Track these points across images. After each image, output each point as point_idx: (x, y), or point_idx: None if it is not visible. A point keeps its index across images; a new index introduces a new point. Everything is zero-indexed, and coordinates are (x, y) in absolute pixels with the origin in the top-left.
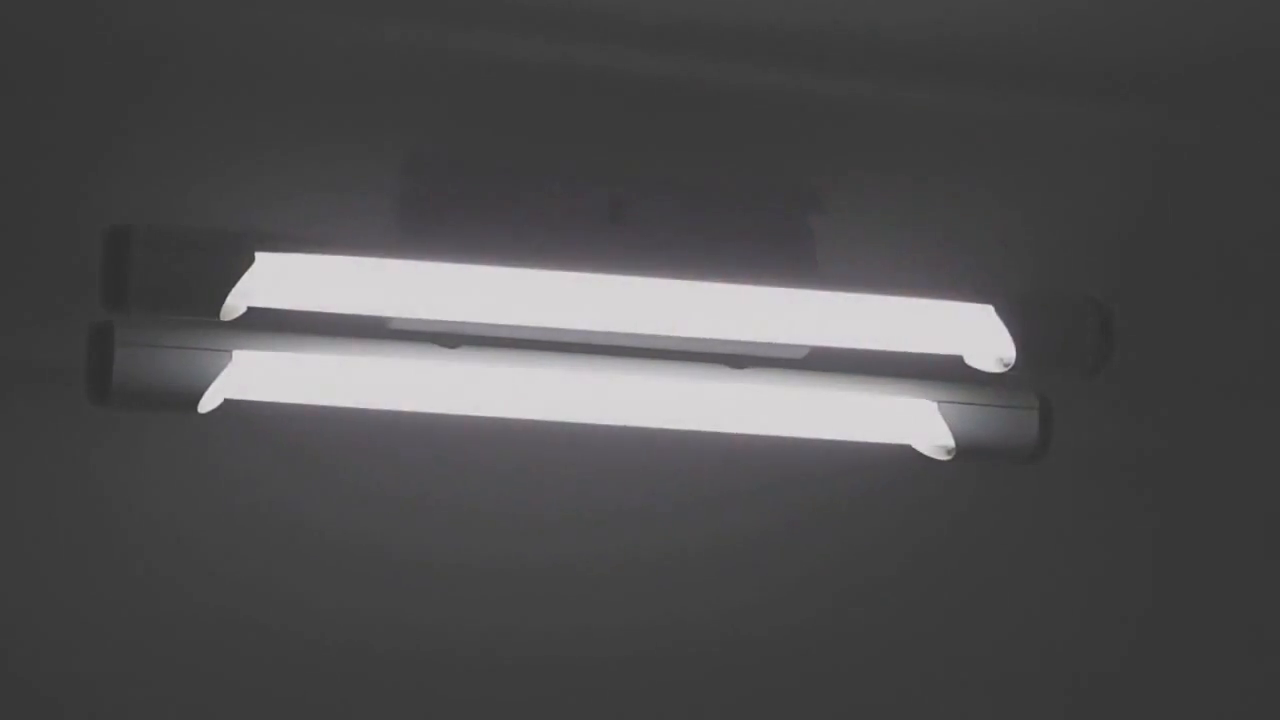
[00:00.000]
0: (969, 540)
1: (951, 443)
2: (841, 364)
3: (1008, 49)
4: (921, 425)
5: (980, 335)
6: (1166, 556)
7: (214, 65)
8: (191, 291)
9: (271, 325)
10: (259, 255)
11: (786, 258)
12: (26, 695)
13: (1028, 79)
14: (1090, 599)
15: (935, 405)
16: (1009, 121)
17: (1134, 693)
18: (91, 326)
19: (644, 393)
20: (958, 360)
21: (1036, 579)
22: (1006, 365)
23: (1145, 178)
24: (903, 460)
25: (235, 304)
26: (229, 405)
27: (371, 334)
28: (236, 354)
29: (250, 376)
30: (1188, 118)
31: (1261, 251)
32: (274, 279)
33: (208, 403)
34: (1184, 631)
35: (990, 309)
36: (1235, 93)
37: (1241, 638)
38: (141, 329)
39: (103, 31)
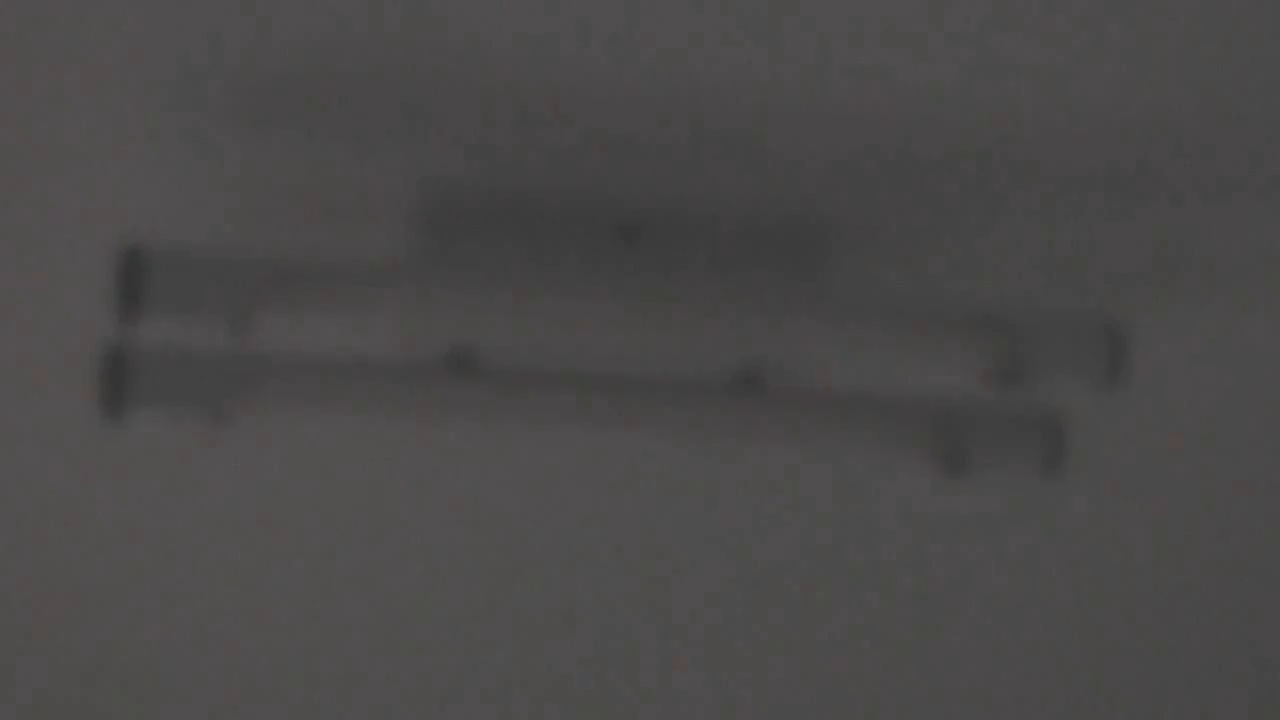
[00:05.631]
0: (979, 556)
1: (965, 460)
2: (853, 382)
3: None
4: (934, 442)
5: (993, 352)
6: (1175, 567)
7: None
8: (205, 310)
9: (285, 343)
10: (273, 273)
11: (798, 276)
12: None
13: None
14: (1101, 610)
15: (948, 422)
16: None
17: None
18: (107, 343)
19: (655, 411)
20: (970, 377)
21: (1047, 592)
22: (1019, 382)
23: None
24: (914, 478)
25: (249, 322)
26: (240, 421)
27: (385, 353)
28: (249, 372)
29: (263, 393)
30: None
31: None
32: (287, 296)
33: (221, 420)
34: (1189, 637)
35: (1003, 326)
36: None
37: (1245, 644)
38: (155, 347)
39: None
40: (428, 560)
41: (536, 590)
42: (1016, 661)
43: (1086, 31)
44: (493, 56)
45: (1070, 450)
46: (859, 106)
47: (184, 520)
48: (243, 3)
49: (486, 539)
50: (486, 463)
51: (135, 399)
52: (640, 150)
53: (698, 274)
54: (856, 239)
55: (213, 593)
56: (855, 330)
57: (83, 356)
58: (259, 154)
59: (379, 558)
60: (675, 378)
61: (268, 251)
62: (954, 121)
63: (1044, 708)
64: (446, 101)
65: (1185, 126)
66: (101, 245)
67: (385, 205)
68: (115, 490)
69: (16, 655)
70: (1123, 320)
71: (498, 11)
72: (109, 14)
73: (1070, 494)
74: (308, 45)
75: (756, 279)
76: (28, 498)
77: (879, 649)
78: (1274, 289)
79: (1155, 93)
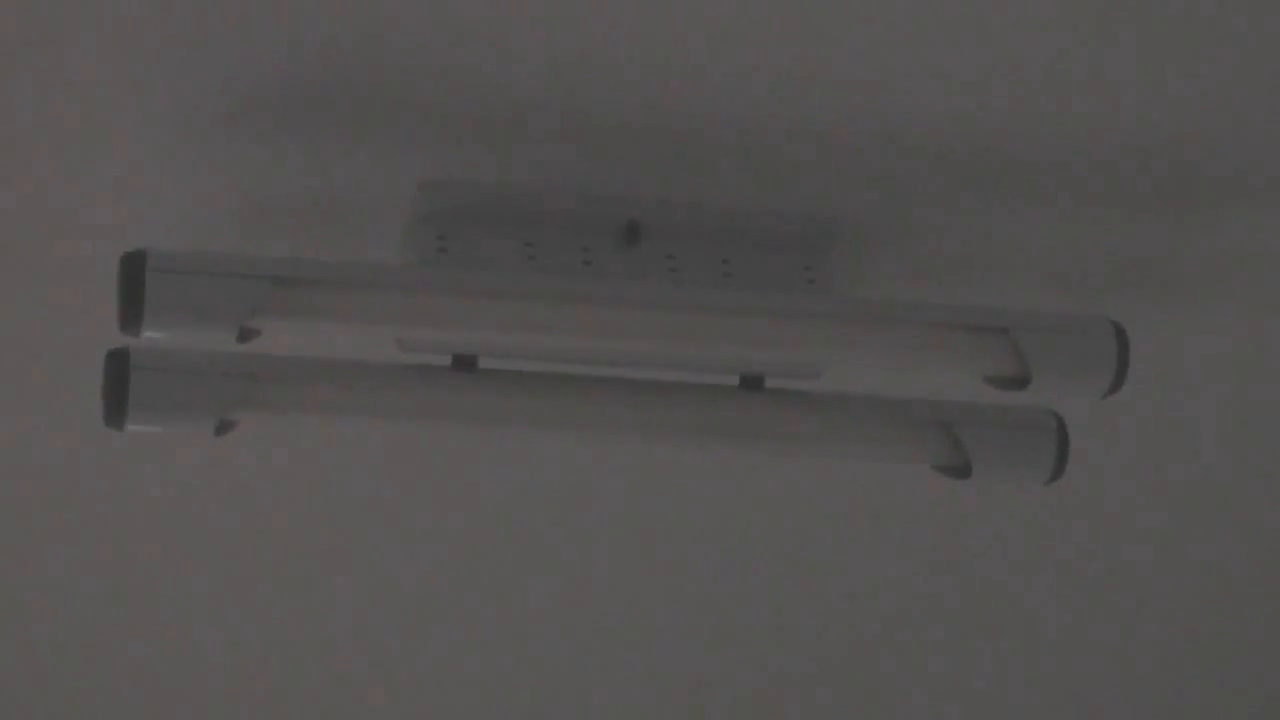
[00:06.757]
0: (984, 560)
1: (968, 463)
2: (856, 384)
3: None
4: (937, 445)
5: (997, 355)
6: (1175, 568)
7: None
8: (207, 315)
9: (287, 348)
10: (275, 278)
11: (799, 276)
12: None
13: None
14: (1101, 610)
15: (951, 425)
16: (1027, 137)
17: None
18: (108, 351)
19: (656, 414)
20: (973, 380)
21: (1047, 593)
22: (1023, 385)
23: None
24: (918, 481)
25: (251, 327)
26: (245, 428)
27: (387, 357)
28: (252, 376)
29: (267, 398)
30: None
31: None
32: (290, 301)
33: (224, 426)
34: (1190, 638)
35: (1007, 328)
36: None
37: (1246, 645)
38: (157, 353)
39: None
40: (429, 562)
41: (536, 591)
42: (1016, 662)
43: (1088, 31)
44: (493, 57)
45: (1070, 450)
46: (860, 107)
47: (186, 524)
48: (243, 3)
49: (487, 541)
50: (488, 465)
51: (137, 403)
52: (640, 150)
53: (698, 275)
54: (857, 239)
55: (213, 596)
56: (856, 331)
57: (85, 360)
58: (260, 156)
59: (380, 560)
60: (676, 379)
61: (269, 254)
62: (956, 121)
63: (1044, 708)
64: (447, 102)
65: (1185, 126)
66: (103, 249)
67: (385, 206)
68: (117, 494)
69: (15, 656)
70: (1123, 320)
71: (497, 11)
72: (108, 15)
73: (1070, 494)
74: (308, 46)
75: (757, 279)
76: (29, 501)
77: (879, 649)
78: (1274, 289)
79: (1155, 92)
